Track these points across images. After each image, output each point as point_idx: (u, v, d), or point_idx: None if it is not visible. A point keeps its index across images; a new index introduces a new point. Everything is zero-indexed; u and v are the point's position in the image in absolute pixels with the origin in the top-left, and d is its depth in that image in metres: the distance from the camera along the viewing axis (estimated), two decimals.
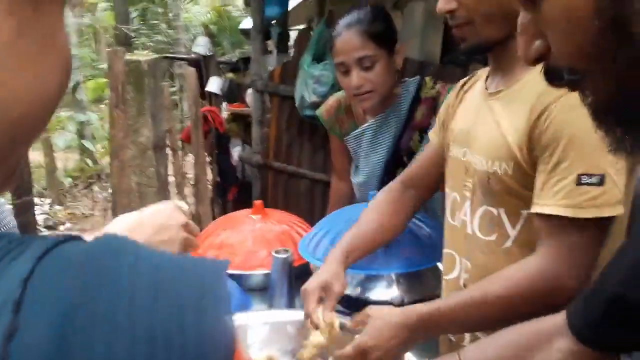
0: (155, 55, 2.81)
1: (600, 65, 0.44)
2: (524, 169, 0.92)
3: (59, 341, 0.23)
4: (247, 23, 3.58)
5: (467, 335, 1.06)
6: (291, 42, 3.77)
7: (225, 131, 3.60)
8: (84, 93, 6.23)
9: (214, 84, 4.10)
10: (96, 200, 5.82)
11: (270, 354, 1.12)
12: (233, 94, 4.07)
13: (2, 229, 0.71)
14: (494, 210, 0.99)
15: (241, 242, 1.53)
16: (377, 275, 1.37)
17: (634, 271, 0.63)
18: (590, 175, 0.84)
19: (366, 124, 1.63)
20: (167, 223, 0.84)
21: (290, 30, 4.54)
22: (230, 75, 4.13)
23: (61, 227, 5.21)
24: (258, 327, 1.18)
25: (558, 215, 0.86)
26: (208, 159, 3.49)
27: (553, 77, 0.50)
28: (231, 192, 3.60)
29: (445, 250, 1.14)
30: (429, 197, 1.31)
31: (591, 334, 0.67)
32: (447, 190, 1.14)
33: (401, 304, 1.29)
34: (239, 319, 1.18)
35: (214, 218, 3.14)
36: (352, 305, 1.25)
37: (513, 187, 0.94)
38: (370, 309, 1.02)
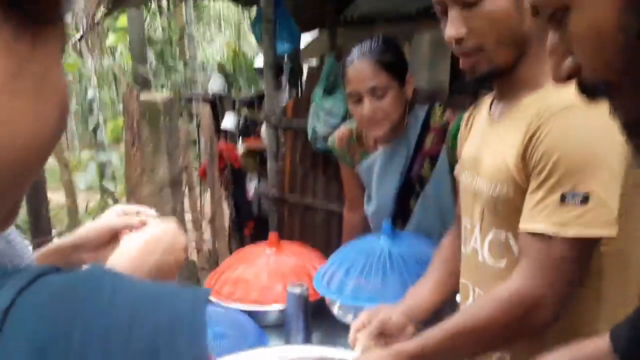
0: (171, 95, 2.87)
1: (630, 78, 0.45)
2: (523, 190, 0.92)
3: None
4: (260, 61, 3.66)
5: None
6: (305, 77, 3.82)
7: (240, 167, 3.64)
8: (104, 134, 6.38)
9: (229, 121, 4.17)
10: None
11: None
12: (249, 130, 4.13)
13: (22, 263, 0.72)
14: (502, 235, 0.98)
15: (256, 276, 1.52)
16: None
17: None
18: (574, 194, 0.83)
19: (377, 153, 1.64)
20: (173, 245, 0.86)
21: (304, 65, 4.62)
22: (245, 111, 4.20)
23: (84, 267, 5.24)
24: None
25: (541, 234, 0.86)
26: (224, 195, 3.53)
27: (587, 93, 0.51)
28: (248, 227, 3.61)
29: (461, 281, 1.13)
30: None
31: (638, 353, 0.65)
32: (462, 218, 1.13)
33: None
34: (256, 356, 1.17)
35: (230, 253, 3.15)
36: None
37: (517, 210, 0.93)
38: (359, 356, 1.02)
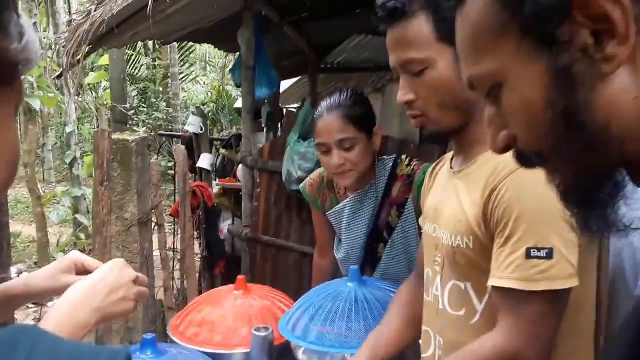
0: (144, 134, 2.89)
1: (559, 150, 0.49)
2: (483, 243, 0.95)
3: None
4: (240, 102, 3.73)
5: None
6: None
7: (213, 205, 3.64)
8: (81, 168, 6.31)
9: (204, 160, 4.20)
10: None
11: None
12: (225, 169, 4.14)
13: None
14: (461, 285, 1.01)
15: (222, 317, 1.51)
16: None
17: None
18: (538, 249, 0.86)
19: (346, 200, 1.67)
20: (119, 282, 0.88)
21: (283, 108, 4.70)
22: (223, 151, 4.23)
23: (49, 304, 5.09)
24: None
25: (512, 289, 0.88)
26: (196, 233, 3.51)
27: (523, 161, 0.54)
28: (219, 267, 3.58)
29: (423, 327, 1.15)
30: None
31: None
32: (424, 266, 1.16)
33: None
34: None
35: (200, 293, 3.10)
36: None
37: (476, 261, 0.96)
38: None
